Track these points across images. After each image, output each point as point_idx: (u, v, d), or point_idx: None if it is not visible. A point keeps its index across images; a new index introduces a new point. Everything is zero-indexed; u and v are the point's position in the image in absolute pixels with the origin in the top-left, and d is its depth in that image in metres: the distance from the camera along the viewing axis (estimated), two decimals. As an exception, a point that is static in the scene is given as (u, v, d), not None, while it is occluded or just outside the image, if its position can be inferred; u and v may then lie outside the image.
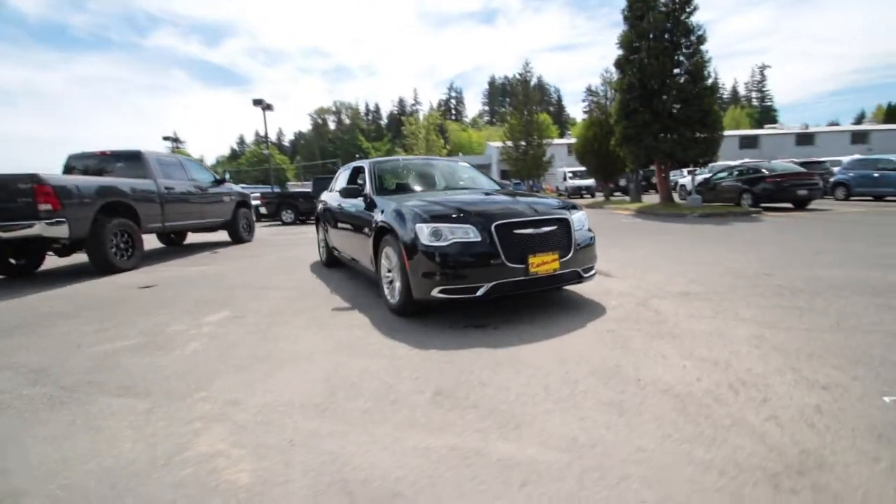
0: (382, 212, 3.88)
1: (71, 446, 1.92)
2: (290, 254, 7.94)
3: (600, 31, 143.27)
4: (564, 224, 3.49)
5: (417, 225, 3.27)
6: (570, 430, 1.87)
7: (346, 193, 4.45)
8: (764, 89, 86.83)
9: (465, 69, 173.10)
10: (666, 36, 12.41)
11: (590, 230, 3.80)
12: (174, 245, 10.00)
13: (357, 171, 5.31)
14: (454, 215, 3.32)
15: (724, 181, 14.07)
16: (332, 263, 6.15)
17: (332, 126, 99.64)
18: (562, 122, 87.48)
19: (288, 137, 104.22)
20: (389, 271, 3.78)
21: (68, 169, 7.54)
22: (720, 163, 14.97)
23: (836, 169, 15.23)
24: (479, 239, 3.19)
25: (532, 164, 32.45)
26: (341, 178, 5.77)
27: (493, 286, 3.15)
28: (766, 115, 75.32)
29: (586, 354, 2.68)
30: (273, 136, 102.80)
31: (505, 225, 3.24)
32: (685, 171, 19.01)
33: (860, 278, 4.19)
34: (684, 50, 12.51)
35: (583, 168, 25.80)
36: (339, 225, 5.16)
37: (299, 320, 3.70)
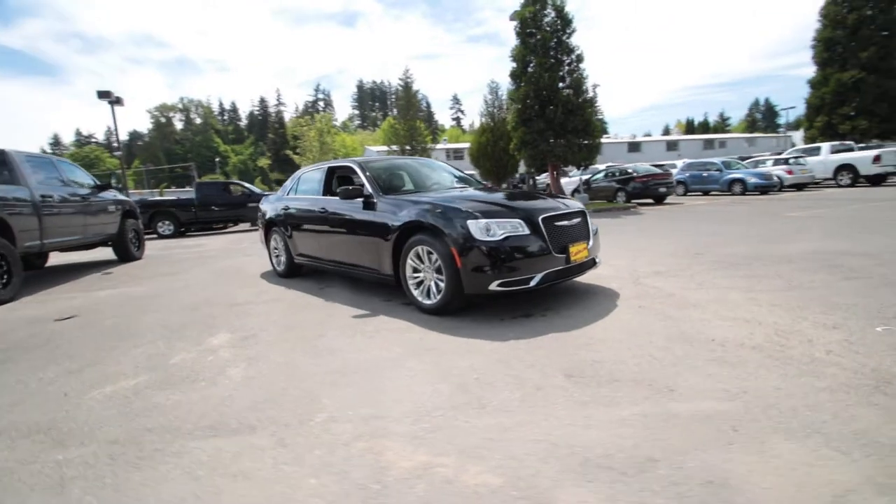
0: (399, 212, 3.78)
1: (234, 499, 1.58)
2: (219, 266, 6.98)
3: (457, 45, 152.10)
4: (584, 216, 3.86)
5: (469, 221, 3.30)
6: (713, 384, 2.18)
7: (345, 195, 4.18)
8: (596, 105, 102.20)
9: (328, 71, 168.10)
10: (552, 53, 13.95)
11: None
12: (35, 269, 7.95)
13: (333, 172, 4.99)
14: (502, 211, 3.43)
15: (600, 182, 16.38)
16: (292, 273, 5.64)
17: (178, 126, 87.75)
18: (433, 128, 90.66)
19: (121, 137, 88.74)
20: (417, 272, 3.71)
21: None
22: (594, 166, 17.39)
23: (674, 171, 18.81)
24: (528, 232, 3.35)
25: (417, 167, 33.14)
26: (310, 181, 5.35)
27: (544, 275, 3.35)
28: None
29: (647, 326, 3.05)
30: (101, 136, 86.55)
31: (549, 218, 3.47)
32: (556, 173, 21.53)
33: (764, 252, 5.42)
34: (566, 67, 14.23)
35: (470, 171, 27.42)
36: (323, 230, 4.80)
37: (331, 332, 3.41)
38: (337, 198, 4.46)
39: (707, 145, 50.14)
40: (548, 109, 13.86)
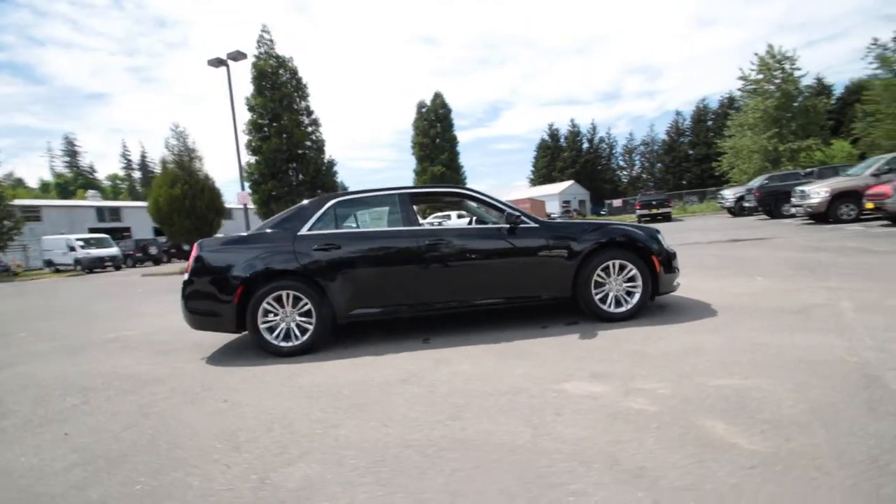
0: (578, 234, 4.02)
1: None
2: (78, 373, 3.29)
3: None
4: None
5: (657, 235, 4.13)
6: None
7: (512, 220, 3.82)
8: (336, 166, 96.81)
9: None
10: (295, 111, 13.89)
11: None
12: None
13: (412, 199, 4.09)
14: (651, 227, 4.40)
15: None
16: (316, 345, 3.84)
17: None
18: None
19: None
20: (599, 286, 4.03)
21: None
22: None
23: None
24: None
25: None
26: (371, 213, 3.98)
27: (675, 275, 4.58)
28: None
29: (763, 302, 4.84)
30: None
31: (659, 233, 4.74)
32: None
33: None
34: (306, 129, 14.47)
35: (101, 235, 20.56)
36: (437, 264, 3.84)
37: (629, 349, 3.26)
38: (468, 225, 3.89)
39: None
40: (296, 165, 13.54)
